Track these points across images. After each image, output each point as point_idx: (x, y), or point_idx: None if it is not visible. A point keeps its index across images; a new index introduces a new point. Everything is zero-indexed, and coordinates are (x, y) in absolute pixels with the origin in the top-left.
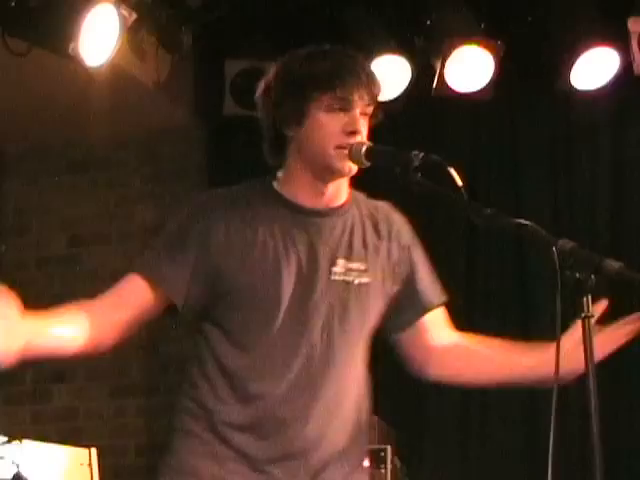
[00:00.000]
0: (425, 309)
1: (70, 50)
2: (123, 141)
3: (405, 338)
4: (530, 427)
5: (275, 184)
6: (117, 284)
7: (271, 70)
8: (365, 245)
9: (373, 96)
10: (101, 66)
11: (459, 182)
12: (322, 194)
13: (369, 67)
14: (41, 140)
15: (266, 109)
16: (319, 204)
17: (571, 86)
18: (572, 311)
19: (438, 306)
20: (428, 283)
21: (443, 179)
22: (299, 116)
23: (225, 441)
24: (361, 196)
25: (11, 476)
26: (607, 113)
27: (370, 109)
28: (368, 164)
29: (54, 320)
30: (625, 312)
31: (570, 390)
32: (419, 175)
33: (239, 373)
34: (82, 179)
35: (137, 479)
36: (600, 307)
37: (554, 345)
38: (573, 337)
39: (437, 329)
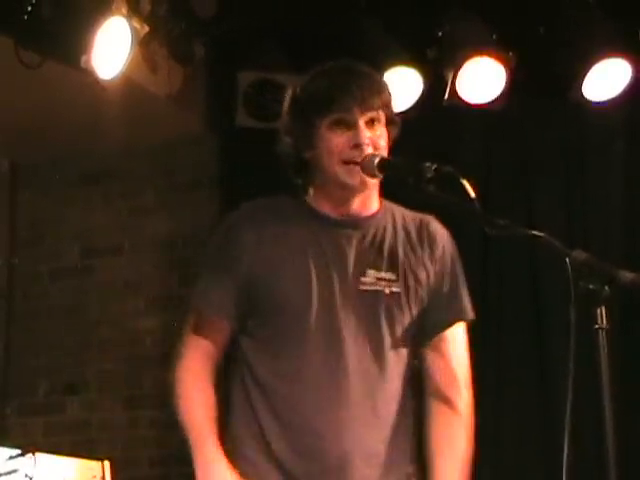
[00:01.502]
0: (438, 327)
1: (82, 63)
2: (136, 153)
3: (425, 355)
4: (543, 443)
5: (307, 198)
6: (198, 329)
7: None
8: (396, 255)
9: (376, 103)
10: (113, 78)
11: (472, 193)
12: (349, 207)
13: (369, 77)
14: (54, 152)
15: (284, 134)
16: (348, 215)
17: (583, 97)
18: (586, 322)
19: (450, 324)
20: (446, 303)
21: (456, 190)
22: (310, 140)
23: (266, 455)
24: (397, 207)
25: None
26: (620, 124)
27: (379, 115)
28: (381, 176)
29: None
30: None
31: (584, 405)
32: (432, 187)
33: (272, 384)
34: (95, 190)
35: None
36: None
37: None
38: None
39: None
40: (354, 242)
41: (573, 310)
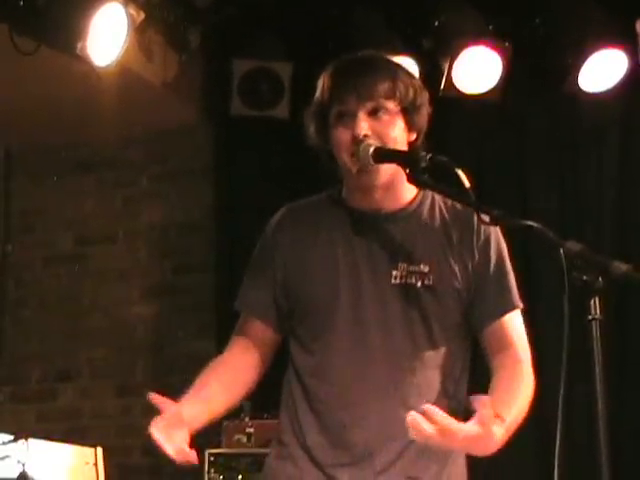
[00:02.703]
0: (487, 319)
1: (78, 49)
2: (130, 140)
3: (483, 343)
4: (535, 430)
5: (341, 194)
6: (237, 328)
7: None
8: (430, 246)
9: (376, 92)
10: (109, 65)
11: (466, 183)
12: (375, 199)
13: (372, 66)
14: (48, 139)
15: (309, 131)
16: (378, 208)
17: (579, 88)
18: (579, 313)
19: (498, 317)
20: (493, 293)
21: (450, 180)
22: (325, 133)
23: (301, 444)
24: (438, 196)
25: (17, 475)
26: (615, 115)
27: (383, 103)
28: (375, 165)
29: (204, 397)
30: (634, 312)
31: (577, 394)
32: (426, 176)
33: (307, 379)
34: (89, 178)
35: (142, 478)
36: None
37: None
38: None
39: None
40: (385, 235)
41: (566, 301)
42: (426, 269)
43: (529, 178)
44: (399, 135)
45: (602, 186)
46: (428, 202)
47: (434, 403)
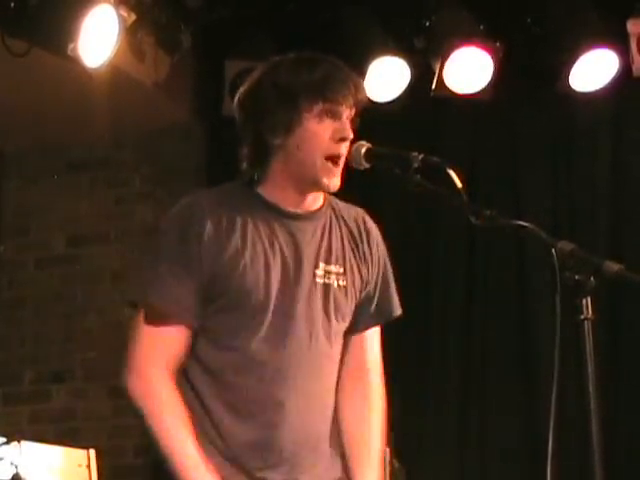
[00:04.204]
0: (369, 324)
1: (69, 50)
2: (122, 141)
3: (348, 343)
4: (528, 430)
5: (257, 188)
6: (162, 338)
7: (252, 77)
8: (343, 248)
9: (358, 103)
10: (100, 67)
11: (458, 183)
12: (303, 201)
13: (354, 74)
14: (40, 140)
15: (251, 117)
16: (300, 208)
17: (570, 88)
18: (571, 312)
19: (379, 323)
20: (387, 296)
21: (442, 180)
22: (290, 125)
23: (221, 450)
24: (334, 199)
25: (9, 477)
26: (606, 114)
27: (352, 114)
28: (368, 165)
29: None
30: (627, 313)
31: (569, 394)
32: (418, 176)
33: (229, 377)
34: (81, 179)
35: None
36: None
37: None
38: None
39: (368, 349)
40: (307, 236)
41: (558, 300)
42: (341, 270)
43: (522, 178)
44: None
45: (595, 186)
46: (333, 205)
47: (333, 397)
